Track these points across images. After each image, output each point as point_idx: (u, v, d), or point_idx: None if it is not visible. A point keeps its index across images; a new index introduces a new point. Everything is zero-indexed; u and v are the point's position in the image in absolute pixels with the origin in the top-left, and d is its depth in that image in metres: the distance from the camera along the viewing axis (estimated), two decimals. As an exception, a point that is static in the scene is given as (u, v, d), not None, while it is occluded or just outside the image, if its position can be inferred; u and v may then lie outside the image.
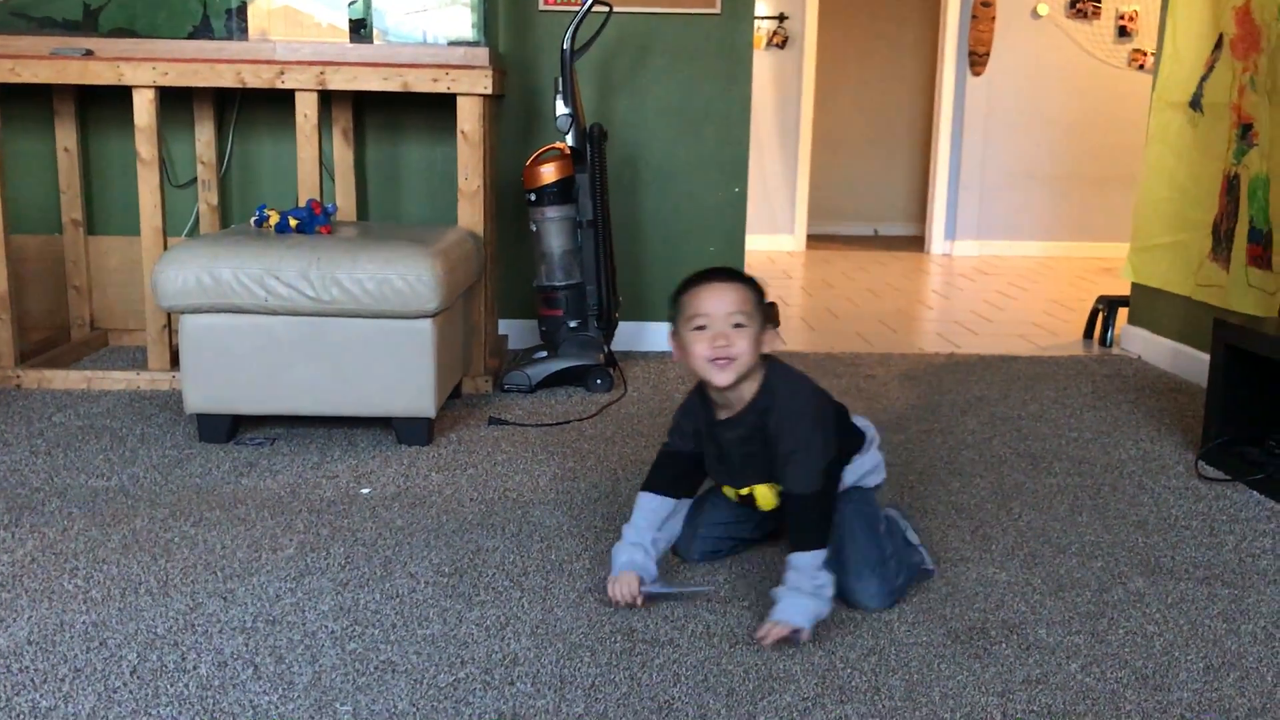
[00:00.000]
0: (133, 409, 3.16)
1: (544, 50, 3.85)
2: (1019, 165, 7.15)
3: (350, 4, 3.58)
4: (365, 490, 2.58)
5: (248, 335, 2.82)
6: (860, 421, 2.26)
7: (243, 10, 3.54)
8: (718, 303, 1.98)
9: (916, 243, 7.69)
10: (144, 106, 3.29)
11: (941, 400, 3.49)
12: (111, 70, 3.26)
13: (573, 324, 3.55)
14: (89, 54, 3.31)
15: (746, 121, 3.97)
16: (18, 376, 3.36)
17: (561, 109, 3.47)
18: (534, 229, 3.54)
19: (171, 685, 1.71)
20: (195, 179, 3.84)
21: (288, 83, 3.30)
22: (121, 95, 3.48)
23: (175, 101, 3.73)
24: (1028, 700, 1.73)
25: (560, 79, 3.47)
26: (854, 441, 2.20)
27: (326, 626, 1.92)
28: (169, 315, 3.42)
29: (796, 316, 4.89)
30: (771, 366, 2.09)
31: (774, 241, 7.24)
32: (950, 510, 2.54)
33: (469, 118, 3.33)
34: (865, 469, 2.19)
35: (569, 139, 3.49)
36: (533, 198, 3.51)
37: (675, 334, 2.05)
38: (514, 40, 3.86)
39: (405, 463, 2.77)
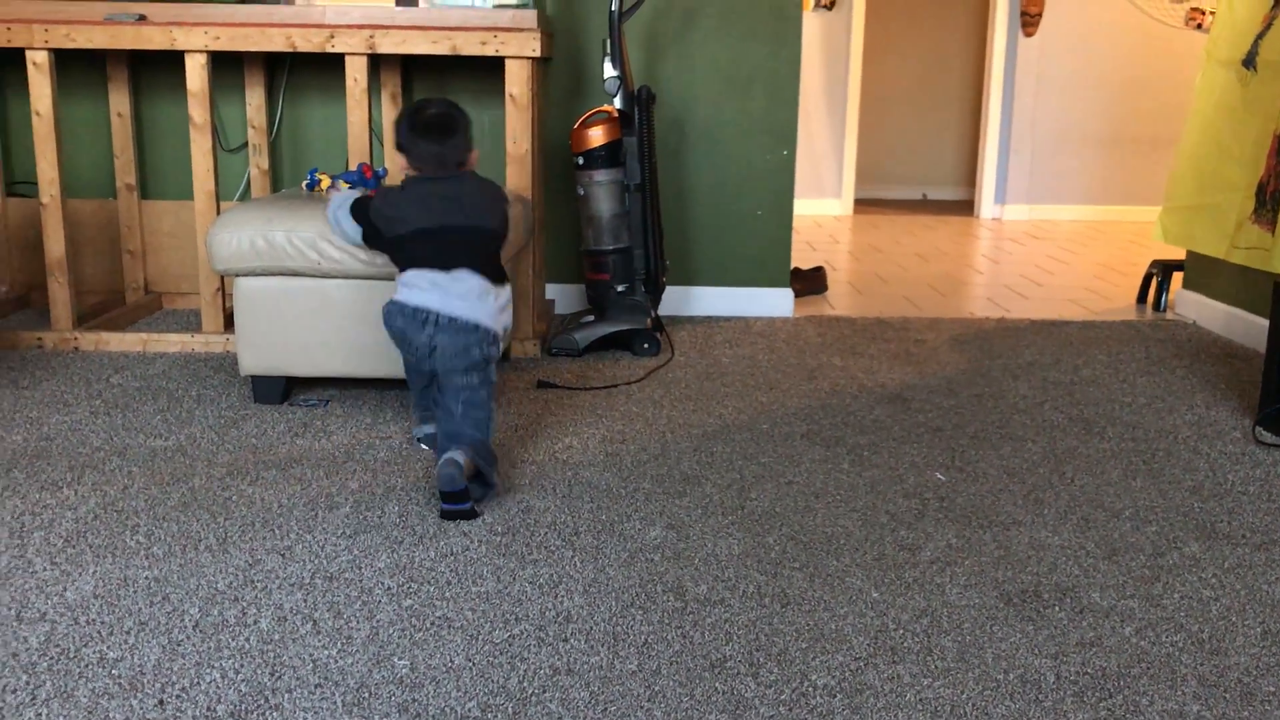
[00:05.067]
0: (188, 370, 3.21)
1: (591, 12, 3.83)
2: (1071, 127, 7.03)
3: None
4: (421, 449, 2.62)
5: (300, 298, 2.85)
6: (411, 281, 2.42)
7: (292, -26, 3.54)
8: None
9: (965, 207, 7.60)
10: (196, 71, 3.32)
11: (992, 365, 3.46)
12: (164, 35, 3.29)
13: (620, 288, 3.55)
14: (142, 19, 3.33)
15: (795, 84, 3.93)
16: (76, 339, 3.42)
17: (610, 71, 3.45)
18: (581, 193, 3.54)
19: (233, 639, 1.75)
20: (246, 143, 3.87)
21: (337, 46, 3.31)
22: (174, 60, 3.51)
23: (226, 66, 3.76)
24: (1081, 663, 1.72)
25: (608, 41, 3.45)
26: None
27: (383, 583, 1.94)
28: (222, 278, 3.46)
29: (844, 281, 4.86)
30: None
31: (821, 206, 7.19)
32: (1002, 474, 2.53)
33: (517, 81, 3.33)
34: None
35: (617, 102, 3.48)
36: (580, 161, 3.51)
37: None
38: (561, 2, 3.84)
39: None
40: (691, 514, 2.26)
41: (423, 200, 2.44)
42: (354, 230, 2.62)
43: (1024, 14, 6.86)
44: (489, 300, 2.41)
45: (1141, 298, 4.48)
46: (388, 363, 2.87)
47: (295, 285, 2.84)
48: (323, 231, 2.78)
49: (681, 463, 2.56)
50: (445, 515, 2.22)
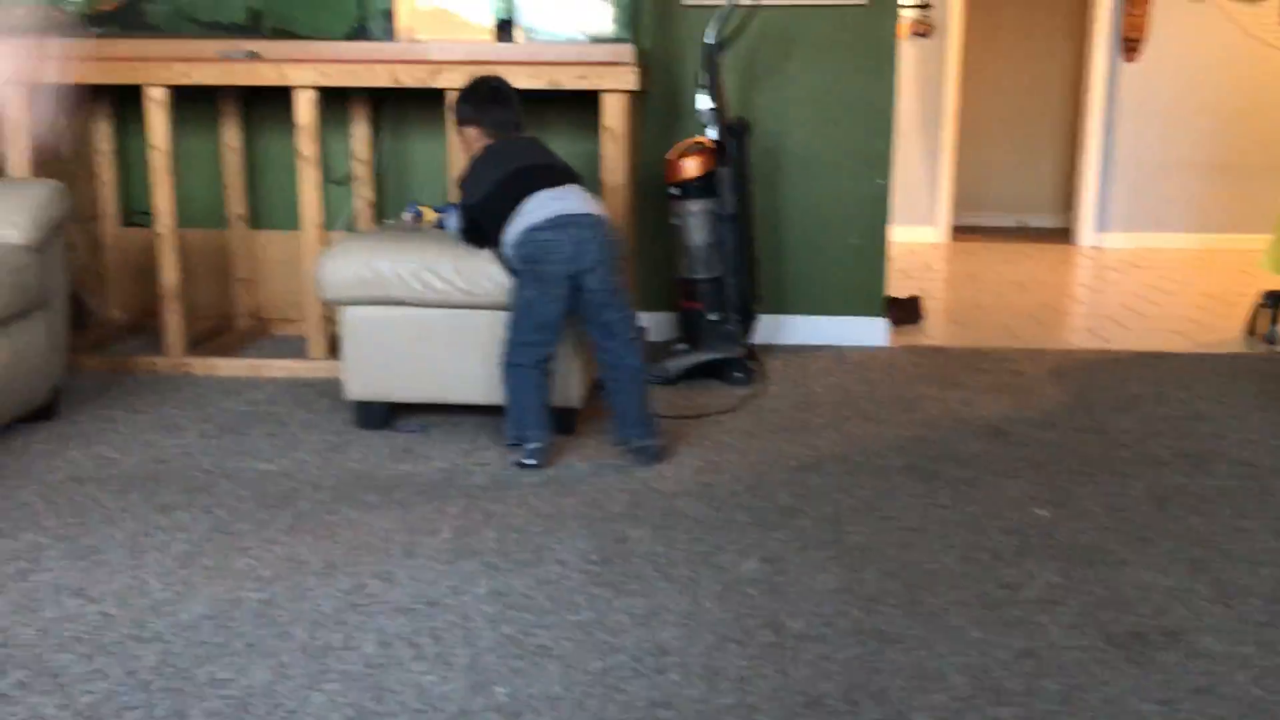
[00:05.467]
0: (293, 395, 3.30)
1: (687, 45, 3.87)
2: (1174, 154, 6.86)
3: (497, 5, 3.66)
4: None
5: (404, 326, 2.92)
6: (538, 203, 2.71)
7: (396, 12, 3.65)
8: None
9: (1063, 234, 7.46)
10: (305, 106, 3.43)
11: (1094, 397, 3.38)
12: (275, 71, 3.40)
13: (713, 317, 3.56)
14: (254, 56, 3.46)
15: (891, 113, 3.91)
16: (187, 364, 3.54)
17: (705, 103, 3.48)
18: (675, 222, 3.57)
19: (338, 662, 1.79)
20: (350, 175, 3.98)
21: (440, 82, 3.39)
22: (283, 95, 3.63)
23: (332, 100, 3.87)
24: (1194, 711, 1.68)
25: (704, 73, 3.48)
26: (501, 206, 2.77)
27: (482, 609, 1.97)
28: (328, 306, 3.55)
29: (941, 310, 4.80)
30: (478, 153, 2.86)
31: (915, 233, 7.12)
32: (1106, 511, 2.47)
33: (613, 114, 3.37)
34: (508, 238, 2.73)
35: (712, 132, 3.50)
36: (675, 191, 3.54)
37: None
38: (657, 35, 3.89)
39: (551, 451, 2.82)
40: (787, 547, 2.26)
41: (507, 153, 2.82)
42: (456, 225, 2.92)
43: (1126, 40, 6.73)
44: (597, 203, 2.80)
45: (1252, 329, 4.35)
46: (485, 389, 2.92)
47: (399, 314, 2.91)
48: (426, 262, 2.85)
49: (776, 495, 2.55)
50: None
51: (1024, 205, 8.09)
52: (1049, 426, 3.08)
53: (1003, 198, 8.06)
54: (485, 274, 2.83)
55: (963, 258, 6.45)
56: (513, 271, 2.78)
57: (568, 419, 2.95)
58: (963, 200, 7.81)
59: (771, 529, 2.35)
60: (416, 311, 2.90)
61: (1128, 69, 6.78)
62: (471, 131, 2.86)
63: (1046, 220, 8.04)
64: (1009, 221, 8.09)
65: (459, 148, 2.97)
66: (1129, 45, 6.74)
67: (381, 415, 3.00)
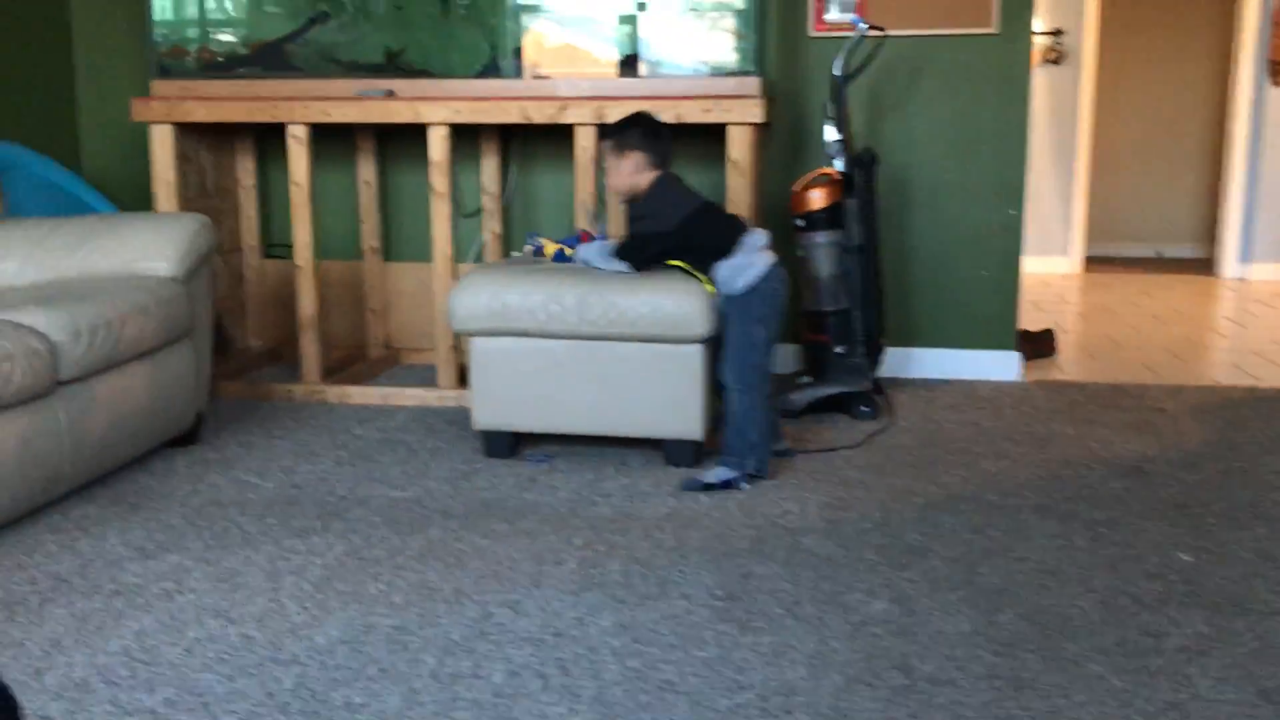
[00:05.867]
0: (423, 424, 3.37)
1: (813, 76, 3.86)
2: (1326, 181, 6.54)
3: (620, 42, 3.70)
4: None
5: (530, 357, 2.96)
6: (758, 252, 2.88)
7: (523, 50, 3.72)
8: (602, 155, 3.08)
9: (1204, 265, 7.17)
10: (438, 142, 3.52)
11: (1241, 437, 3.23)
12: (410, 109, 3.51)
13: (839, 350, 3.52)
14: (390, 94, 3.57)
15: (1024, 143, 3.83)
16: (323, 391, 3.65)
17: (831, 135, 3.46)
18: (801, 254, 3.54)
19: (468, 691, 1.82)
20: (480, 209, 4.07)
21: (568, 117, 3.44)
22: (417, 131, 3.74)
23: (463, 135, 3.97)
24: (1357, 773, 1.58)
25: (831, 104, 3.46)
26: (716, 241, 2.91)
27: (608, 642, 1.98)
28: (456, 336, 3.63)
29: (1075, 344, 4.66)
30: (656, 182, 2.96)
31: (1048, 264, 6.93)
32: (1256, 557, 2.35)
33: (739, 146, 3.38)
34: (749, 275, 2.84)
35: (838, 164, 3.48)
36: (801, 223, 3.52)
37: None
38: (783, 67, 3.88)
39: (675, 483, 2.82)
40: (917, 588, 2.21)
41: (684, 185, 3.01)
42: (626, 268, 2.98)
43: (1273, 63, 6.46)
44: None
45: None
46: (608, 420, 2.94)
47: (526, 345, 2.96)
48: (552, 294, 2.89)
49: (905, 533, 2.50)
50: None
51: (1161, 235, 7.81)
52: (1192, 467, 2.96)
53: (1139, 227, 7.80)
54: (609, 304, 2.86)
55: (1097, 289, 6.26)
56: (736, 304, 2.86)
57: (690, 452, 2.95)
58: (1096, 230, 7.58)
59: (900, 568, 2.30)
60: (542, 343, 2.94)
61: (1275, 93, 6.51)
62: (634, 159, 2.94)
63: (1185, 250, 7.75)
64: (1145, 252, 7.82)
65: (615, 174, 2.98)
66: (1276, 68, 6.48)
67: (507, 444, 3.04)
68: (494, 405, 3.00)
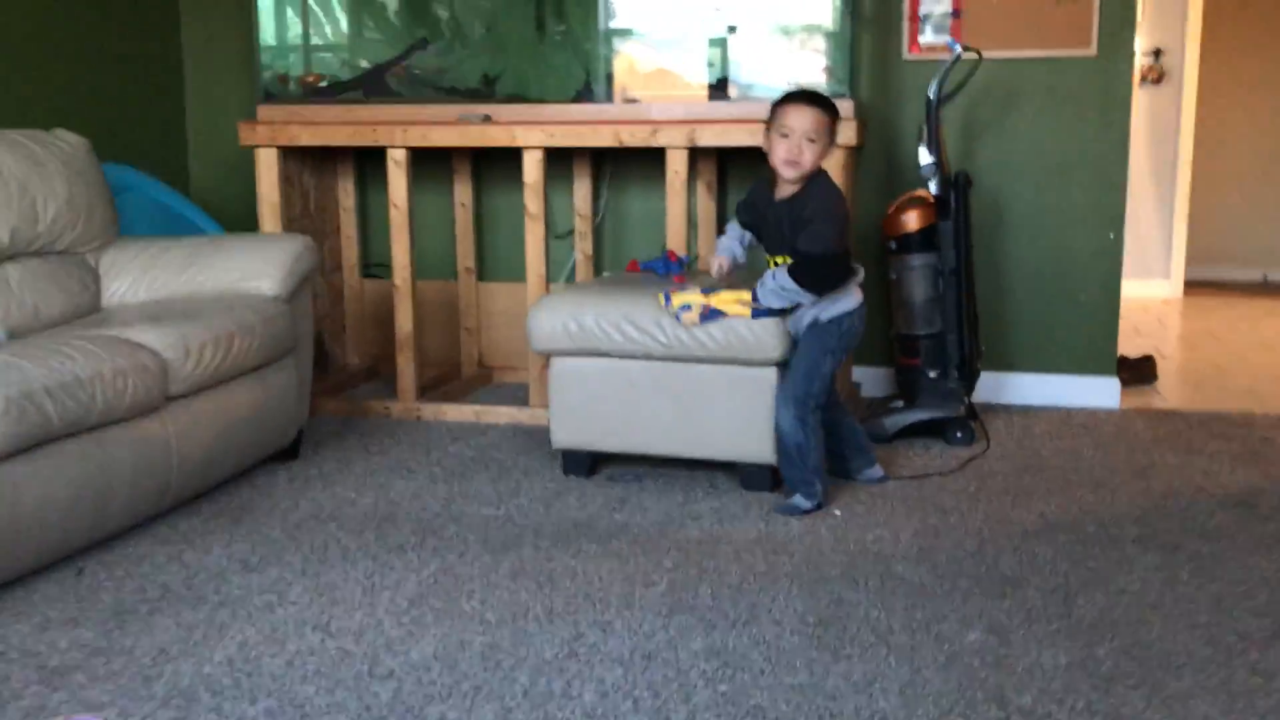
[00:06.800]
0: (515, 442, 3.42)
1: (906, 99, 3.83)
2: None
3: (711, 65, 3.72)
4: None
5: (606, 377, 2.98)
6: (858, 274, 2.84)
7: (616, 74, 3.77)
8: (800, 120, 2.71)
9: (1314, 290, 6.94)
10: (533, 165, 3.57)
11: (1354, 470, 3.12)
12: (506, 134, 3.57)
13: (932, 374, 3.48)
14: (487, 119, 3.64)
15: (1124, 166, 3.75)
16: (418, 409, 3.72)
17: (925, 158, 3.43)
18: (894, 277, 3.52)
19: (559, 710, 1.83)
20: (572, 230, 4.11)
21: (660, 141, 3.47)
22: (511, 155, 3.80)
23: (556, 158, 4.02)
24: None
25: (925, 127, 3.44)
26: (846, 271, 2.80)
27: (698, 666, 1.98)
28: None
29: (1175, 371, 4.54)
30: (821, 176, 2.77)
31: (1147, 288, 6.76)
32: (1372, 597, 2.27)
33: (831, 168, 3.35)
34: (840, 307, 2.78)
35: (932, 187, 3.45)
36: (894, 246, 3.49)
37: (767, 133, 2.76)
38: (875, 90, 3.87)
39: (765, 507, 2.81)
40: (1013, 618, 2.17)
41: None
42: (811, 296, 2.77)
43: (1387, 80, 6.23)
44: None
45: None
46: (683, 442, 2.95)
47: (603, 365, 2.98)
48: (627, 314, 2.91)
49: (1000, 562, 2.46)
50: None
51: (1268, 258, 7.57)
52: (1303, 500, 2.86)
53: (1243, 250, 7.57)
54: (683, 327, 2.88)
55: (1199, 314, 6.09)
56: (815, 331, 2.80)
57: (765, 476, 2.94)
58: (1198, 253, 7.38)
59: (996, 598, 2.26)
60: (618, 363, 2.97)
61: (1389, 113, 6.28)
62: (828, 152, 2.79)
63: (1294, 274, 7.50)
64: (1251, 275, 7.59)
65: (810, 153, 2.70)
66: (1391, 87, 6.24)
67: (585, 464, 3.07)
68: (572, 425, 3.03)
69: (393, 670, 1.97)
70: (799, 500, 2.78)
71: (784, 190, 2.80)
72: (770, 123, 2.77)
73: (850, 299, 2.81)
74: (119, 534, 2.60)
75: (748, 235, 3.00)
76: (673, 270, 3.21)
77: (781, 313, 2.80)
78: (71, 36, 3.86)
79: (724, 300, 2.83)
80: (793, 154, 2.70)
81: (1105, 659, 2.00)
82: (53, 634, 2.12)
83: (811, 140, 2.70)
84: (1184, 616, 2.18)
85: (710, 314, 2.83)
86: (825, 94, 2.86)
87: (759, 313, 2.79)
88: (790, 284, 2.73)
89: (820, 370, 2.79)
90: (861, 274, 2.87)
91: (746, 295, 2.80)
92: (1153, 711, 1.82)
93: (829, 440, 2.91)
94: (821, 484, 2.80)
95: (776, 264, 2.81)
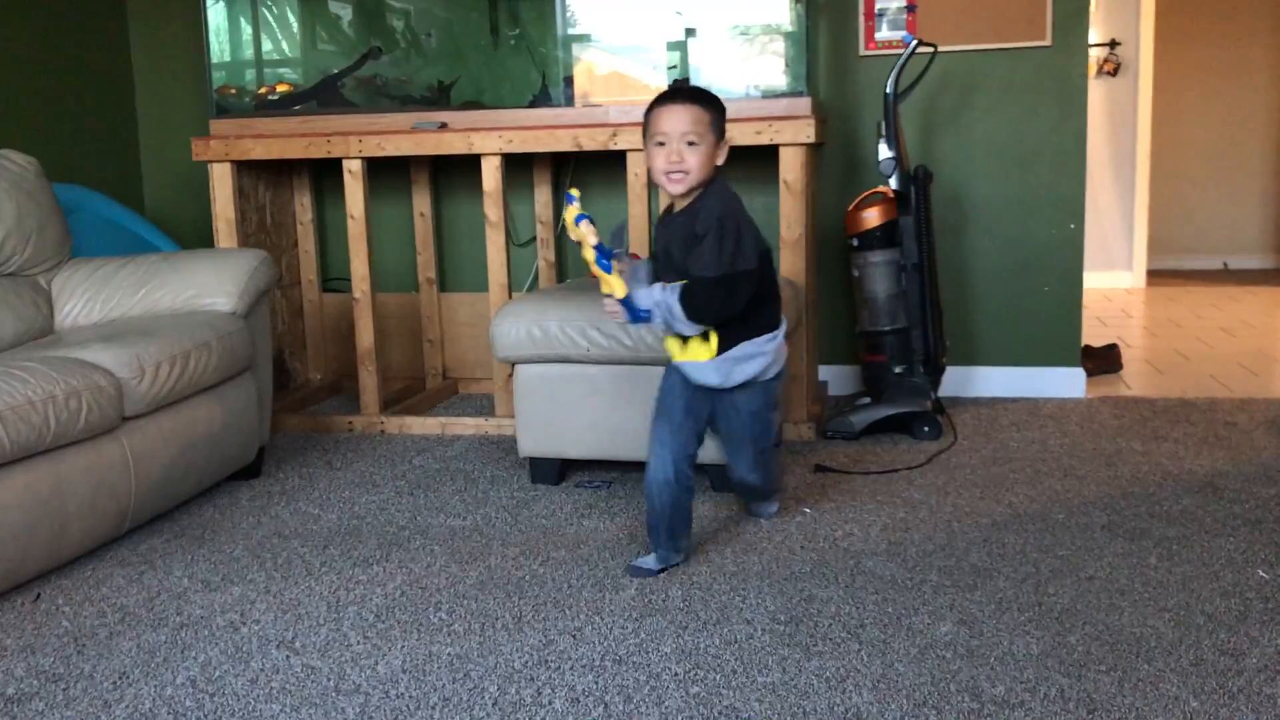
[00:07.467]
0: (481, 452, 3.38)
1: (865, 95, 3.83)
2: (1398, 186, 6.37)
3: (670, 67, 3.71)
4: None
5: (572, 383, 2.96)
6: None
7: (574, 78, 3.75)
8: (675, 122, 2.27)
9: (1274, 276, 7.02)
10: (491, 172, 3.55)
11: (1318, 450, 3.14)
12: (463, 141, 3.54)
13: (898, 369, 3.48)
14: (443, 127, 3.61)
15: (1082, 156, 3.77)
16: (382, 423, 3.68)
17: (885, 153, 3.43)
18: (856, 274, 3.52)
19: (530, 718, 1.80)
20: (534, 237, 4.09)
21: (620, 144, 3.45)
22: (470, 162, 3.77)
23: (516, 165, 4.00)
24: None
25: (883, 123, 3.44)
26: (771, 296, 2.40)
27: (669, 668, 1.96)
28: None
29: (1140, 359, 4.57)
30: (718, 182, 2.35)
31: (1110, 278, 6.82)
32: (1339, 574, 2.28)
33: (791, 167, 3.36)
34: (771, 355, 2.39)
35: (892, 182, 3.45)
36: (855, 243, 3.49)
37: (645, 145, 2.35)
38: (834, 87, 3.87)
39: (734, 508, 2.80)
40: (984, 609, 2.16)
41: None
42: (716, 316, 2.31)
43: (1337, 66, 6.31)
44: None
45: None
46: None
47: (567, 371, 2.96)
48: (591, 319, 2.89)
49: (970, 554, 2.45)
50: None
51: (1228, 246, 7.65)
52: (1267, 482, 2.87)
53: (1204, 239, 7.65)
54: (646, 329, 2.84)
55: (1162, 303, 6.14)
56: (761, 390, 2.43)
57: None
58: (1160, 243, 7.45)
59: (966, 590, 2.26)
60: (584, 369, 2.94)
61: (1340, 98, 6.36)
62: (724, 148, 2.35)
63: (1254, 261, 7.59)
64: (1212, 264, 7.66)
65: (697, 157, 2.27)
66: (1341, 73, 6.33)
67: (554, 471, 3.04)
68: (538, 432, 3.00)
69: (359, 685, 1.94)
70: (775, 505, 2.74)
71: (675, 208, 2.37)
72: (645, 132, 2.34)
73: (780, 355, 2.43)
74: (77, 558, 2.55)
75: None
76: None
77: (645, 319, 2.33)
78: (19, 56, 3.80)
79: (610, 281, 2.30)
80: (672, 162, 2.26)
81: (1077, 646, 1.99)
82: (9, 662, 2.07)
83: (692, 143, 2.25)
84: (1153, 600, 2.18)
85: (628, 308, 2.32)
86: (700, 86, 2.42)
87: (636, 314, 2.31)
88: (679, 310, 2.26)
89: (769, 430, 2.49)
90: (785, 326, 2.45)
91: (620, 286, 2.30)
92: (1125, 695, 1.81)
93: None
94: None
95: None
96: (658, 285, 2.30)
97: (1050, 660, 1.94)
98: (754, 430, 2.46)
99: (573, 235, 2.33)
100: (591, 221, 2.29)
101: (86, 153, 4.12)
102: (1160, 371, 4.33)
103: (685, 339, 2.36)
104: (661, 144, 2.29)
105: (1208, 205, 7.61)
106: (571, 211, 2.31)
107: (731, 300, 2.27)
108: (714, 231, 2.25)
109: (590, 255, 2.29)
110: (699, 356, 2.36)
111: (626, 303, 2.30)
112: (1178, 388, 4.00)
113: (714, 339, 2.34)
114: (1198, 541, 2.48)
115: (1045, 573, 2.33)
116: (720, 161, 2.34)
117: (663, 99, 2.34)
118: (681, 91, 2.40)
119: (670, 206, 2.41)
